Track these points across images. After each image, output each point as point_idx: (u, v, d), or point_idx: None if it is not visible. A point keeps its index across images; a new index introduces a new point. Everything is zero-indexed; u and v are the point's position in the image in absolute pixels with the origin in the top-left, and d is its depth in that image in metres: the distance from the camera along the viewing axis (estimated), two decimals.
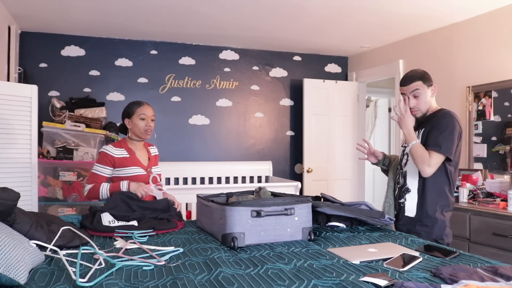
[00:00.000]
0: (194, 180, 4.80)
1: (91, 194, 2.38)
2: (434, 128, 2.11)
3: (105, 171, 2.40)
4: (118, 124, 2.60)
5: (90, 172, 2.44)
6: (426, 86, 2.17)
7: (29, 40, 4.29)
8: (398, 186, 2.29)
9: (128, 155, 2.43)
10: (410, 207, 2.18)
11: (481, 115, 3.61)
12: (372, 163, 2.47)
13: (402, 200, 2.23)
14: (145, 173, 2.47)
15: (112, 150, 2.41)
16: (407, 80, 2.20)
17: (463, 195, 3.21)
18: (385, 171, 2.49)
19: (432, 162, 2.06)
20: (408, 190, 2.20)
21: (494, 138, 3.51)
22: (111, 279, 1.24)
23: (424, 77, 2.18)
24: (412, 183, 2.19)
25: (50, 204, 3.76)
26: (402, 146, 2.35)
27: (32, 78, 4.17)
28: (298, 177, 5.13)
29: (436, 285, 1.19)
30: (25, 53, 4.26)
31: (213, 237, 1.85)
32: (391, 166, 2.43)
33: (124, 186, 2.32)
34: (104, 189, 2.35)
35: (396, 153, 4.81)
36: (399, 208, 2.25)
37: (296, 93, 5.20)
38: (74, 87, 4.42)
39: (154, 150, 2.64)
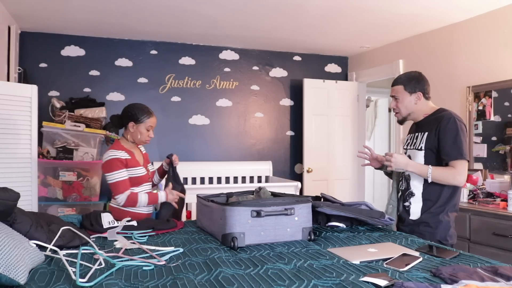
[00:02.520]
0: (194, 180, 4.80)
1: (128, 203, 2.36)
2: (444, 138, 2.07)
3: (125, 173, 2.38)
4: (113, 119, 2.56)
5: (112, 184, 2.35)
6: (407, 93, 2.18)
7: (29, 40, 4.29)
8: (401, 189, 2.27)
9: (129, 157, 2.43)
10: (415, 210, 2.17)
11: (481, 115, 3.61)
12: (376, 168, 2.43)
13: (407, 204, 2.21)
14: (146, 172, 2.49)
15: (118, 154, 2.39)
16: (393, 81, 2.26)
17: (463, 195, 3.21)
18: (389, 175, 2.47)
19: (461, 171, 2.05)
20: (412, 194, 2.19)
21: (494, 138, 3.51)
22: (111, 279, 1.24)
23: (408, 83, 2.18)
24: (417, 187, 2.17)
25: (50, 204, 3.76)
26: (404, 148, 2.33)
27: (32, 78, 4.17)
28: (298, 177, 5.13)
29: (436, 285, 1.19)
30: (25, 53, 4.26)
31: (213, 237, 1.85)
32: None
33: (162, 198, 2.42)
34: (143, 200, 2.37)
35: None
36: (404, 211, 2.23)
37: (296, 93, 5.20)
38: (74, 87, 4.41)
39: (143, 148, 2.67)
